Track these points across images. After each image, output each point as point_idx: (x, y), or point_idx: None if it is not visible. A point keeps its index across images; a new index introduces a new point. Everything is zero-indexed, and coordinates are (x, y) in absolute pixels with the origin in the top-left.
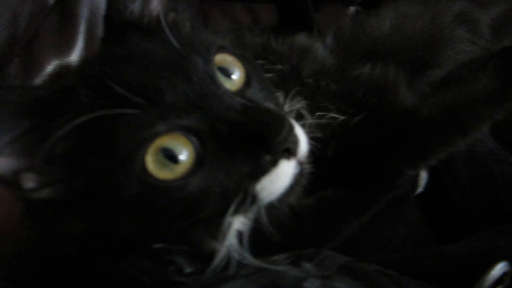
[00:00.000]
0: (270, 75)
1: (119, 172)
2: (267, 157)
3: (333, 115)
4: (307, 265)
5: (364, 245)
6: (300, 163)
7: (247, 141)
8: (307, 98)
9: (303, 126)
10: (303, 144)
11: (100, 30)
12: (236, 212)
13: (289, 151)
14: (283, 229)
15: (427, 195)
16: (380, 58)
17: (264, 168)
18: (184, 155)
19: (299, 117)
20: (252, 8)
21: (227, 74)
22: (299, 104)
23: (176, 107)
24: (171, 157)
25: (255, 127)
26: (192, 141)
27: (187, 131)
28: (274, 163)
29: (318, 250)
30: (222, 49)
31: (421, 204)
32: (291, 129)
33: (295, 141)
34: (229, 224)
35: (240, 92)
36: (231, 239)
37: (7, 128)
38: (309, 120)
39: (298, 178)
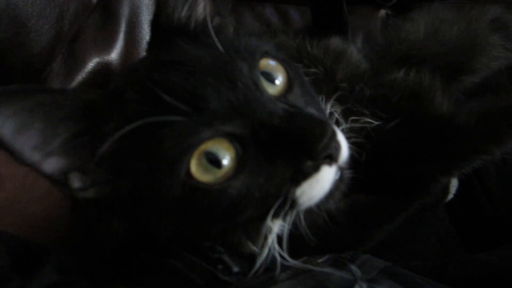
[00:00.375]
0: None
1: (165, 176)
2: (309, 163)
3: (368, 119)
4: (354, 267)
5: (394, 250)
6: (341, 169)
7: (289, 146)
8: (342, 103)
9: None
10: (344, 150)
11: (140, 29)
12: (276, 216)
13: (331, 157)
14: (317, 232)
15: (456, 201)
16: (415, 63)
17: (305, 173)
18: (226, 160)
19: (335, 121)
20: (282, 9)
21: (271, 79)
22: (333, 108)
23: (220, 114)
24: (214, 161)
25: (297, 133)
26: (235, 146)
27: (231, 137)
28: (316, 168)
29: (357, 253)
30: (266, 54)
31: (451, 210)
32: (334, 135)
33: (337, 147)
34: (269, 228)
35: (283, 97)
36: (271, 242)
37: (59, 130)
38: (344, 125)
39: (338, 184)
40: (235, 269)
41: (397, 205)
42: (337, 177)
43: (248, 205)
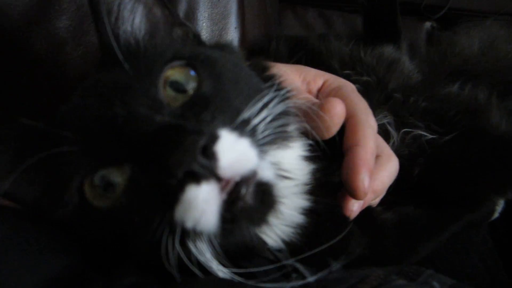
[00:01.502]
0: (356, 86)
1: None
2: (172, 181)
3: (422, 132)
4: (435, 283)
5: (437, 266)
6: (237, 186)
7: (152, 164)
8: (394, 113)
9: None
10: (230, 163)
11: (194, 26)
12: (177, 242)
13: (195, 174)
14: (363, 242)
15: (500, 222)
16: (469, 78)
17: (172, 194)
18: (117, 183)
19: (385, 133)
20: (325, 14)
21: (180, 88)
22: (385, 119)
23: (99, 142)
24: (107, 185)
25: (153, 147)
26: (121, 169)
27: (111, 163)
28: (179, 188)
29: (420, 268)
30: (173, 61)
31: (493, 232)
32: (195, 146)
33: (209, 162)
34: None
35: (185, 107)
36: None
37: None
38: (395, 136)
39: (227, 207)
40: (310, 278)
41: (445, 219)
42: (225, 198)
43: (130, 230)
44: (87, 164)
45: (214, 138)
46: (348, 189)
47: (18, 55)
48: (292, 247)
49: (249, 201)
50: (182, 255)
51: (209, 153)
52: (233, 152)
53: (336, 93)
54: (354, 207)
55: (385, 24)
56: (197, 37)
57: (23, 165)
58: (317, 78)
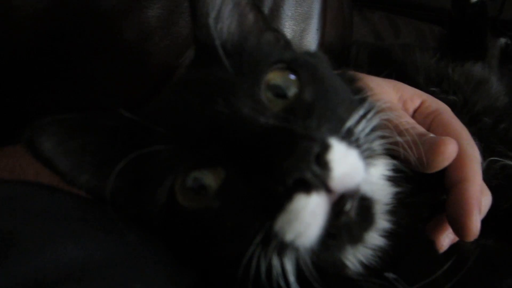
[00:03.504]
0: None
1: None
2: (280, 189)
3: (511, 163)
4: None
5: None
6: (341, 199)
7: (259, 168)
8: (480, 139)
9: None
10: (342, 175)
11: (277, 24)
12: (262, 254)
13: (305, 183)
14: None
15: None
16: None
17: (277, 203)
18: (209, 185)
19: None
20: (392, 18)
21: (281, 92)
22: None
23: (195, 141)
24: (199, 187)
25: (263, 151)
26: (218, 170)
27: (206, 164)
28: (287, 197)
29: None
30: (276, 64)
31: None
32: (310, 153)
33: (322, 171)
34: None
35: (287, 112)
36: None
37: (87, 153)
38: (483, 164)
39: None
40: None
41: None
42: (332, 210)
43: (221, 236)
44: (181, 164)
45: (326, 147)
46: (456, 227)
47: (109, 42)
48: (369, 271)
49: (353, 216)
50: (278, 269)
51: (322, 162)
52: (345, 163)
53: (435, 117)
54: (445, 242)
55: (473, 38)
56: (288, 44)
57: (119, 165)
58: (415, 97)
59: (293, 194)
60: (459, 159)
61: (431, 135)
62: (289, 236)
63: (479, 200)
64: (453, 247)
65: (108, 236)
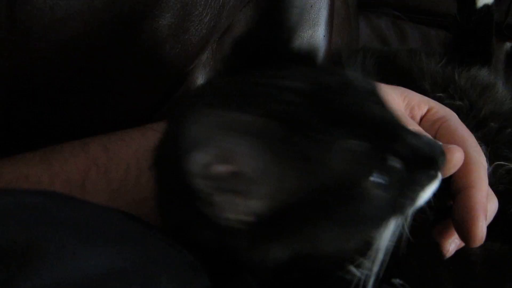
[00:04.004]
0: None
1: None
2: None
3: None
4: None
5: None
6: None
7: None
8: (487, 143)
9: None
10: None
11: None
12: None
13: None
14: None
15: None
16: None
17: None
18: None
19: None
20: (398, 24)
21: None
22: None
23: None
24: None
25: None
26: None
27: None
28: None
29: None
30: None
31: None
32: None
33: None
34: None
35: None
36: None
37: None
38: (489, 169)
39: None
40: None
41: None
42: None
43: None
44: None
45: None
46: (461, 233)
47: (123, 48)
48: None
49: None
50: None
51: None
52: None
53: (442, 124)
54: (451, 247)
55: (478, 44)
56: None
57: None
58: (422, 104)
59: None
60: (465, 166)
61: (439, 143)
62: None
63: (485, 206)
64: (459, 251)
65: (128, 245)
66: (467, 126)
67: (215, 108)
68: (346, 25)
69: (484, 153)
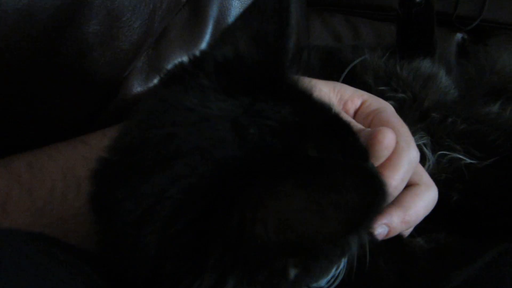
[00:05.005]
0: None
1: None
2: None
3: (459, 156)
4: None
5: None
6: None
7: None
8: (430, 134)
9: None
10: None
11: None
12: None
13: None
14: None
15: None
16: (510, 98)
17: None
18: None
19: (421, 155)
20: (352, 21)
21: None
22: (421, 140)
23: None
24: None
25: None
26: None
27: None
28: None
29: None
30: None
31: None
32: None
33: None
34: None
35: None
36: None
37: None
38: (431, 159)
39: None
40: None
41: (480, 247)
42: None
43: None
44: None
45: None
46: None
47: (45, 59)
48: None
49: None
50: None
51: None
52: None
53: (376, 116)
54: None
55: (420, 36)
56: None
57: None
58: (355, 97)
59: None
60: (392, 152)
61: (368, 129)
62: None
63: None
64: (401, 245)
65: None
66: (411, 117)
67: None
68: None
69: (427, 143)
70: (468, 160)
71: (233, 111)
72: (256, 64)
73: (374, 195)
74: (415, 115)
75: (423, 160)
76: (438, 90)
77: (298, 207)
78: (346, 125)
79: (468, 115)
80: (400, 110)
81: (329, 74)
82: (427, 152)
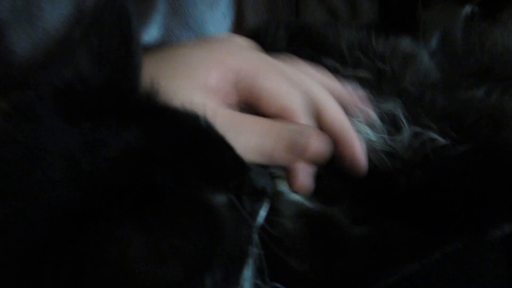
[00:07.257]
0: (366, 72)
1: None
2: None
3: (434, 136)
4: None
5: None
6: None
7: None
8: (408, 110)
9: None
10: None
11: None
12: None
13: None
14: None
15: None
16: (497, 80)
17: None
18: None
19: (394, 125)
20: None
21: None
22: (396, 110)
23: None
24: None
25: None
26: None
27: None
28: None
29: None
30: None
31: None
32: None
33: None
34: None
35: None
36: None
37: None
38: (407, 132)
39: None
40: None
41: (433, 240)
42: None
43: None
44: None
45: None
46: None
47: None
48: None
49: None
50: None
51: None
52: None
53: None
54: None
55: (403, 12)
56: None
57: None
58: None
59: None
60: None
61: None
62: None
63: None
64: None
65: None
66: (388, 91)
67: None
68: (263, 2)
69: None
70: (443, 141)
71: (69, 143)
72: (100, 86)
73: (213, 239)
74: (393, 90)
75: (396, 129)
76: (418, 71)
77: (137, 254)
78: (217, 138)
79: (448, 95)
80: (378, 82)
81: (297, 49)
82: (404, 121)
